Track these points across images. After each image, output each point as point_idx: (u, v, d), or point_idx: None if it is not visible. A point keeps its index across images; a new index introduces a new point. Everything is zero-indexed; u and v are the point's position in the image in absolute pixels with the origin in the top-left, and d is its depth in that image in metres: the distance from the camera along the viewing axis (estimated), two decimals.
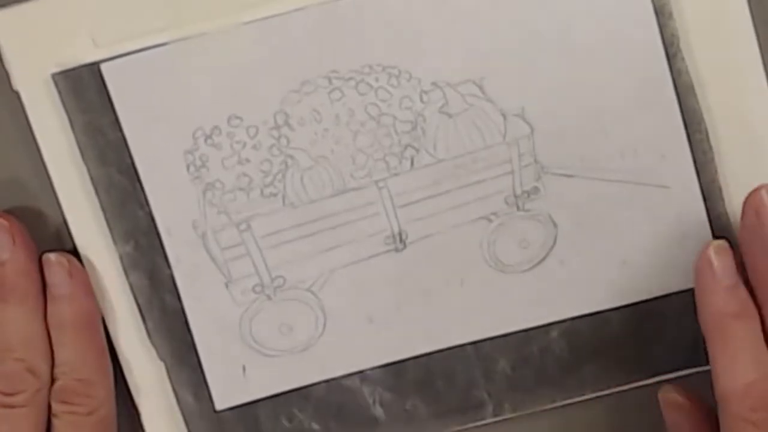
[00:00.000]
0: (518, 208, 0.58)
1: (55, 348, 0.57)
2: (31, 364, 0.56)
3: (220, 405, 0.59)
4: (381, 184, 0.57)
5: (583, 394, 0.60)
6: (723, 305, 0.54)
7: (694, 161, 0.57)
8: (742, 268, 0.55)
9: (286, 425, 0.60)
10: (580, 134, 0.57)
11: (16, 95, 0.56)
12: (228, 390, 0.59)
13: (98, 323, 0.58)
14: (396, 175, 0.57)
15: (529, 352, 0.59)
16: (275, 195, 0.57)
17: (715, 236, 0.58)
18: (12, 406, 0.55)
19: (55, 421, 0.56)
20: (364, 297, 0.58)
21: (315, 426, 0.60)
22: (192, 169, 0.57)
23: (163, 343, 0.58)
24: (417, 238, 0.58)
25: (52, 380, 0.56)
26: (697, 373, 0.59)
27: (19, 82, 0.56)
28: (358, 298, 0.58)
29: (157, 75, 0.56)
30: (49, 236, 0.58)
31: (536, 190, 0.57)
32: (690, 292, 0.58)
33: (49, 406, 0.56)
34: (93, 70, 0.55)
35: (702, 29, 0.56)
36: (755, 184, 0.54)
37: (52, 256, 0.57)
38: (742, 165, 0.57)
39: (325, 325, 0.59)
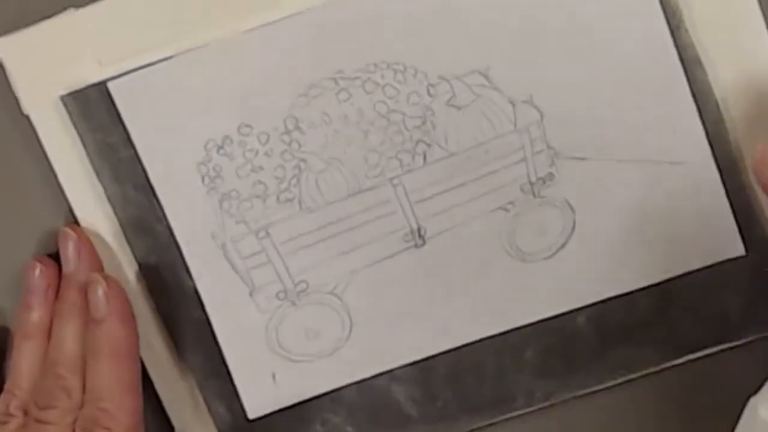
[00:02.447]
0: (534, 196, 0.58)
1: (86, 372, 0.56)
2: (68, 384, 0.56)
3: (252, 414, 0.60)
4: (395, 182, 0.57)
5: (615, 379, 0.59)
6: None
7: (707, 135, 0.57)
8: None
9: (320, 430, 0.60)
10: (590, 116, 0.57)
11: (27, 120, 0.56)
12: (259, 399, 0.59)
13: (133, 353, 0.57)
14: (409, 171, 0.57)
15: (557, 339, 0.59)
16: (291, 200, 0.57)
17: (734, 209, 0.57)
18: (41, 421, 0.55)
19: None
20: (387, 296, 0.58)
21: (349, 429, 0.60)
22: (207, 180, 0.57)
23: (192, 357, 0.59)
24: (436, 233, 0.58)
25: (82, 404, 0.56)
26: (729, 348, 0.59)
27: (28, 107, 0.56)
28: (381, 298, 0.58)
29: (164, 89, 0.56)
30: None
31: (551, 176, 0.57)
32: (713, 268, 0.58)
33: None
34: (100, 89, 0.56)
35: (704, 1, 0.56)
36: None
37: (93, 276, 0.57)
38: (756, 136, 0.57)
39: (351, 327, 0.59)
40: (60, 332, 0.57)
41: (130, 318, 0.57)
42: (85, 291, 0.57)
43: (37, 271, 0.57)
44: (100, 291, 0.56)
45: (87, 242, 0.57)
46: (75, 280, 0.57)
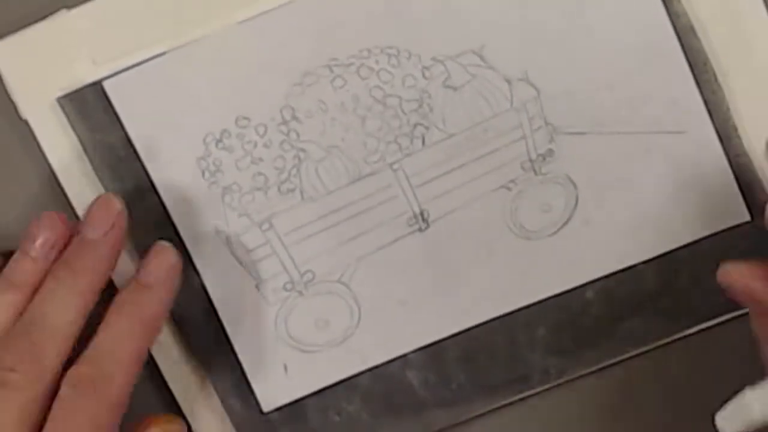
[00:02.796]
0: (536, 173, 0.58)
1: (101, 329, 0.53)
2: (38, 351, 0.52)
3: (266, 407, 0.60)
4: (395, 166, 0.57)
5: (627, 352, 0.59)
6: None
7: (705, 102, 0.57)
8: None
9: (336, 419, 0.60)
10: (587, 90, 0.57)
11: (25, 124, 0.57)
12: (272, 391, 0.59)
13: (155, 332, 0.55)
14: (409, 155, 0.57)
15: (567, 316, 0.59)
16: (293, 190, 0.57)
17: (736, 176, 0.57)
18: (5, 384, 0.52)
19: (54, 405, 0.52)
20: (394, 281, 0.58)
21: (365, 416, 0.60)
22: (207, 174, 0.57)
23: (203, 352, 0.59)
24: (439, 216, 0.58)
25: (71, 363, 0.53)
26: (738, 316, 0.59)
27: (26, 111, 0.56)
28: (388, 283, 0.58)
29: (159, 85, 0.56)
30: None
31: (551, 152, 0.57)
32: (719, 235, 0.58)
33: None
34: (96, 89, 0.56)
35: None
36: None
37: (164, 244, 0.55)
38: (754, 101, 0.57)
39: (360, 314, 0.59)
40: (51, 294, 0.53)
41: (171, 301, 0.55)
42: (100, 262, 0.54)
43: (47, 221, 0.54)
44: (168, 260, 0.55)
45: (124, 218, 0.54)
46: (93, 249, 0.54)
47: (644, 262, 0.58)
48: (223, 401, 0.59)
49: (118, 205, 0.54)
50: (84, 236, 0.54)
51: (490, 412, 0.60)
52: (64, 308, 0.53)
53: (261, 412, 0.60)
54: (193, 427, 0.60)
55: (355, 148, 0.57)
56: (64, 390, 0.52)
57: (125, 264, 0.57)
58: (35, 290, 0.54)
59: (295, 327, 0.59)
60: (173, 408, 0.59)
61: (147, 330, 0.54)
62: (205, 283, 0.58)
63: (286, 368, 0.59)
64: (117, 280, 0.57)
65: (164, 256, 0.55)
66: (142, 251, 0.57)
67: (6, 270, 0.55)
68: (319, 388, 0.59)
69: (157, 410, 0.57)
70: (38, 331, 0.52)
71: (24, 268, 0.54)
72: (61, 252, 0.54)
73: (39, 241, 0.54)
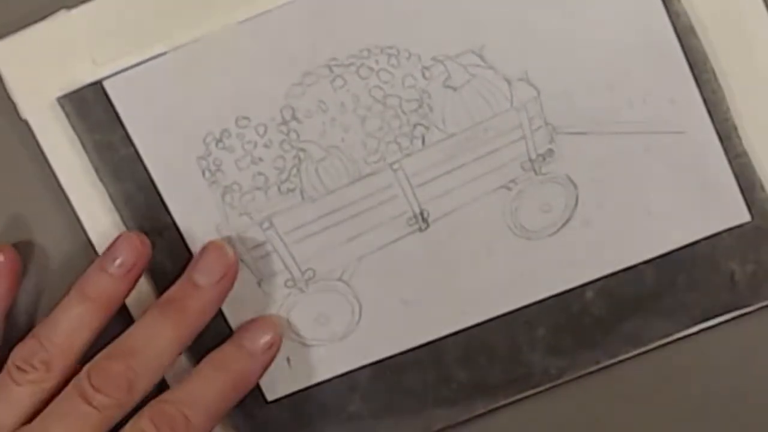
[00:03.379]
0: (536, 173, 0.58)
1: (135, 325, 0.55)
2: (134, 379, 0.54)
3: (270, 396, 0.60)
4: (395, 166, 0.57)
5: (627, 352, 0.59)
6: None
7: (705, 102, 0.57)
8: None
9: (336, 411, 0.60)
10: (587, 90, 0.57)
11: (26, 124, 0.57)
12: (276, 381, 0.60)
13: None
14: (409, 155, 0.57)
15: (568, 315, 0.59)
16: (293, 190, 0.57)
17: (735, 176, 0.57)
18: (18, 383, 0.54)
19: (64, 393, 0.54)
20: (394, 280, 0.59)
21: (364, 411, 0.60)
22: (207, 174, 0.57)
23: (207, 347, 0.58)
24: (439, 216, 0.58)
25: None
26: (740, 316, 0.59)
27: (26, 111, 0.57)
28: (389, 282, 0.59)
29: (159, 85, 0.56)
30: (75, 258, 0.59)
31: (551, 152, 0.57)
32: (719, 236, 0.58)
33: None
34: (96, 89, 0.56)
35: None
36: None
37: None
38: (754, 100, 0.57)
39: (360, 312, 0.59)
40: (156, 329, 0.55)
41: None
42: (205, 311, 0.56)
43: (129, 243, 0.56)
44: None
45: (236, 269, 0.57)
46: (203, 295, 0.56)
47: (644, 262, 0.58)
48: None
49: (231, 254, 0.56)
50: (195, 281, 0.56)
51: (490, 412, 0.60)
52: (167, 344, 0.55)
53: (265, 400, 0.60)
54: None
55: (355, 148, 0.57)
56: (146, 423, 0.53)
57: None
58: (107, 305, 0.55)
59: (297, 322, 0.59)
60: None
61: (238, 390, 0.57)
62: None
63: (289, 361, 0.60)
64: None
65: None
66: None
67: (81, 281, 0.56)
68: (321, 379, 0.60)
69: None
70: (138, 361, 0.54)
71: (100, 282, 0.55)
72: (139, 274, 0.56)
73: (119, 261, 0.55)
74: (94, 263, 0.56)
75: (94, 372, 0.54)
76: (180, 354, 0.56)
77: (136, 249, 0.56)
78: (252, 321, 0.58)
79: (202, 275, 0.56)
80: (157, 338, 0.55)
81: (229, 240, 0.58)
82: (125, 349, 0.54)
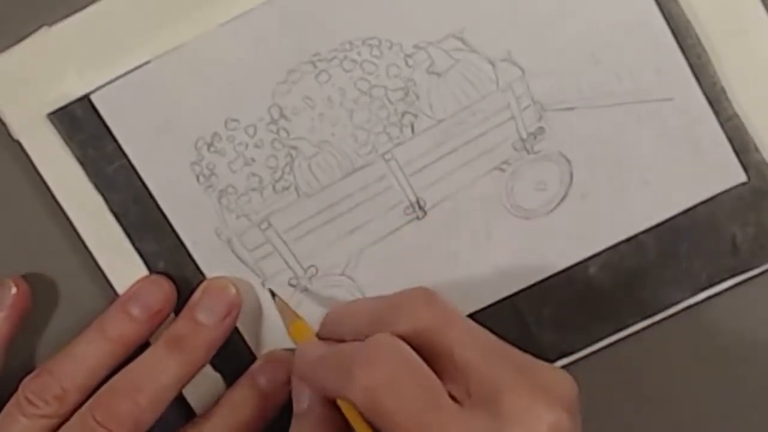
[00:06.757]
0: (528, 152, 0.58)
1: (139, 360, 0.56)
2: (140, 415, 0.55)
3: None
4: (387, 157, 0.57)
5: (635, 323, 0.59)
6: None
7: (691, 68, 0.57)
8: None
9: None
10: (572, 66, 0.57)
11: (18, 144, 0.57)
12: None
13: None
14: (400, 144, 0.57)
15: (572, 292, 0.59)
16: (288, 188, 0.58)
17: (728, 137, 0.57)
18: (26, 416, 0.55)
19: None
20: (397, 270, 0.59)
21: None
22: (202, 179, 0.57)
23: (216, 354, 0.59)
24: (435, 203, 0.58)
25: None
26: (744, 281, 0.59)
27: (17, 131, 0.57)
28: (391, 273, 0.59)
29: (146, 94, 0.57)
30: (77, 273, 0.59)
31: (541, 130, 0.57)
32: (716, 199, 0.58)
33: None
34: (84, 103, 0.57)
35: None
36: (757, 78, 0.54)
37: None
38: (740, 61, 0.57)
39: None
40: (162, 364, 0.56)
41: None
42: (208, 348, 0.57)
43: (153, 287, 0.57)
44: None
45: (239, 308, 0.58)
46: (207, 333, 0.57)
47: (644, 232, 0.58)
48: None
49: (233, 292, 0.57)
50: (200, 320, 0.56)
51: None
52: (171, 381, 0.56)
53: None
54: None
55: (346, 141, 0.57)
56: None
57: None
58: (127, 347, 0.56)
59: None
60: (187, 410, 0.60)
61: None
62: None
63: None
64: None
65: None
66: (147, 257, 0.58)
67: (102, 320, 0.57)
68: None
69: (171, 412, 0.57)
70: (143, 398, 0.55)
71: (121, 325, 0.57)
72: (163, 319, 0.57)
73: (142, 304, 0.56)
74: (116, 303, 0.57)
75: (99, 409, 0.54)
76: (186, 384, 0.57)
77: (162, 294, 0.57)
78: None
79: (207, 314, 0.57)
80: (161, 374, 0.56)
81: (228, 242, 0.58)
82: (130, 385, 0.55)
